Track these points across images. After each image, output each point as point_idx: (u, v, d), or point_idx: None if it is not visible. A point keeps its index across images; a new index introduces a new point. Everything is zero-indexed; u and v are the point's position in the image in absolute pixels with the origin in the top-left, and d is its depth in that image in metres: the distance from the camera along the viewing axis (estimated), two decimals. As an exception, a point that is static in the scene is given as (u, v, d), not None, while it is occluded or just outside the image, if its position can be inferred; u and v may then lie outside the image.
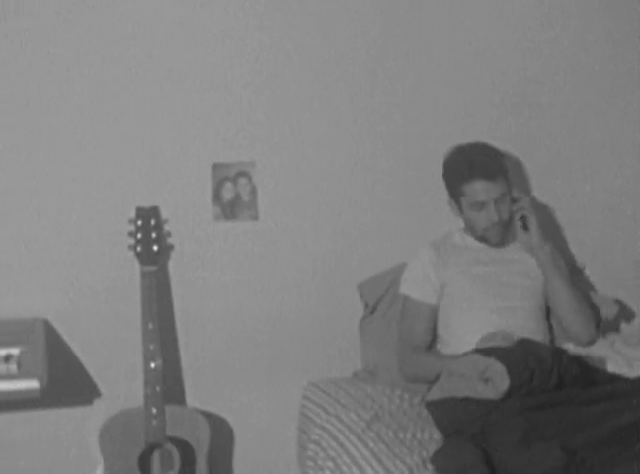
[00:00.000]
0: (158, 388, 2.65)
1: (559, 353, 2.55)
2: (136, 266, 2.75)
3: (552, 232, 3.17)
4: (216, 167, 2.92)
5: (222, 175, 2.93)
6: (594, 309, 2.99)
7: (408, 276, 2.89)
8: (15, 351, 2.46)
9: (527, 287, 2.85)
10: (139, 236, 2.76)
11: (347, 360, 3.05)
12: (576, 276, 3.08)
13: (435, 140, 3.02)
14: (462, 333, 2.76)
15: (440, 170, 2.88)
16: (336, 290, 3.04)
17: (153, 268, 2.74)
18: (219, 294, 2.96)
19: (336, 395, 2.81)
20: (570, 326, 2.87)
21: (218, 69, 2.89)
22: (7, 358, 2.42)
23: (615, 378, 2.57)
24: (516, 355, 2.50)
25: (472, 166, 2.76)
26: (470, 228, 2.87)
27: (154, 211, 2.80)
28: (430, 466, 2.29)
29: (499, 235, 2.84)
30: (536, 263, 2.87)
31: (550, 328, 2.92)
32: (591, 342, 2.88)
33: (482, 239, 2.86)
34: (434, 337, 2.87)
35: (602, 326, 3.05)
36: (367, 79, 3.01)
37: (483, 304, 2.79)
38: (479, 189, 2.75)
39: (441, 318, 2.85)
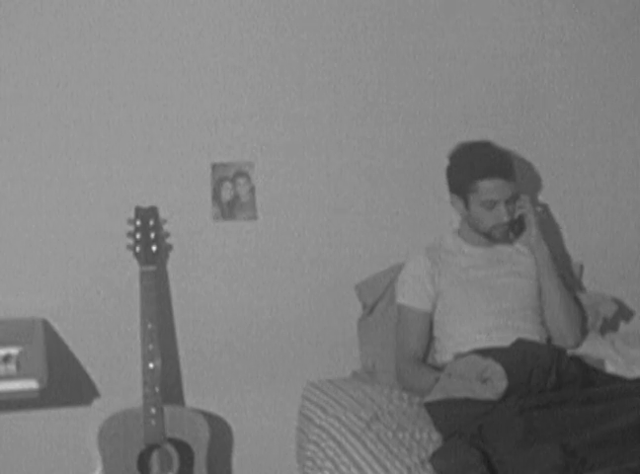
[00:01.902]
0: (157, 388, 2.65)
1: (558, 352, 2.55)
2: (135, 266, 2.75)
3: (551, 231, 3.18)
4: (215, 167, 2.92)
5: (221, 175, 2.92)
6: (582, 313, 2.98)
7: (403, 286, 2.87)
8: (14, 351, 2.45)
9: (522, 288, 2.85)
10: (138, 236, 2.76)
11: (346, 361, 3.06)
12: (570, 278, 3.08)
13: (433, 141, 3.02)
14: (459, 337, 2.76)
15: (440, 170, 2.88)
16: (334, 290, 3.04)
17: (152, 268, 2.74)
18: (218, 294, 2.96)
19: (335, 395, 2.80)
20: (556, 327, 2.85)
21: (217, 69, 2.88)
22: (6, 358, 2.41)
23: (614, 379, 2.58)
24: (514, 356, 2.50)
25: (490, 163, 2.74)
26: (475, 225, 2.84)
27: (153, 211, 2.80)
28: (429, 466, 2.29)
29: (505, 233, 2.83)
30: (534, 262, 2.87)
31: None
32: (575, 346, 2.86)
33: (487, 236, 2.84)
34: (430, 344, 2.87)
35: (602, 325, 3.05)
36: (367, 81, 3.01)
37: (479, 308, 2.78)
38: (493, 187, 2.73)
39: (438, 323, 2.84)
